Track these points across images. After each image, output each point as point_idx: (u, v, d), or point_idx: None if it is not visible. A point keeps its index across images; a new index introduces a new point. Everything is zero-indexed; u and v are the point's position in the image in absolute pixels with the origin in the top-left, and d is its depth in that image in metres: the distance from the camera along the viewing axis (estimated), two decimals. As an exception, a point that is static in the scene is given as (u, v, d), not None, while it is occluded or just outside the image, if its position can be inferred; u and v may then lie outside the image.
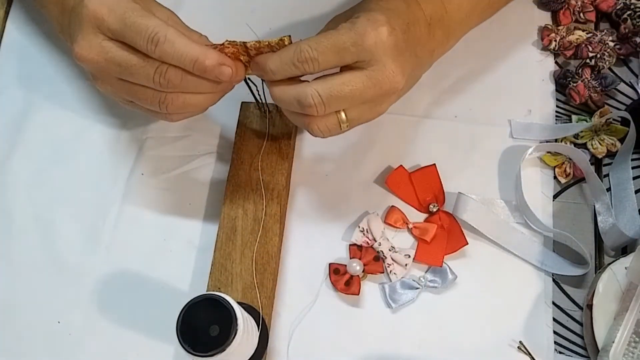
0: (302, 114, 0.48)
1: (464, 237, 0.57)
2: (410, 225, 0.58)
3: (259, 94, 0.56)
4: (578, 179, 0.61)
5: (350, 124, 0.49)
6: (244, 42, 0.47)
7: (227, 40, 0.47)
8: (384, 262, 0.57)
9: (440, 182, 0.59)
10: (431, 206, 0.59)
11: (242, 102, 0.60)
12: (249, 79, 0.52)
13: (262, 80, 0.51)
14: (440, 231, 0.58)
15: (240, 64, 0.49)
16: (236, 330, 0.43)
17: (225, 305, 0.44)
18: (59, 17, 0.53)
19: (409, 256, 0.57)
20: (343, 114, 0.48)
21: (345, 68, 0.47)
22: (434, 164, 0.60)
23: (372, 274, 0.57)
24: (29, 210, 0.60)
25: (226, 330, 0.43)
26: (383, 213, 0.59)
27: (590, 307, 0.54)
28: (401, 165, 0.60)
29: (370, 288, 0.57)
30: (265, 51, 0.47)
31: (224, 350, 0.43)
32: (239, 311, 0.44)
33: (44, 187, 0.61)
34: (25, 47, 0.67)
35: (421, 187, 0.59)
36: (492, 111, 0.63)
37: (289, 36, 0.47)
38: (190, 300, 0.44)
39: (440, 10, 0.53)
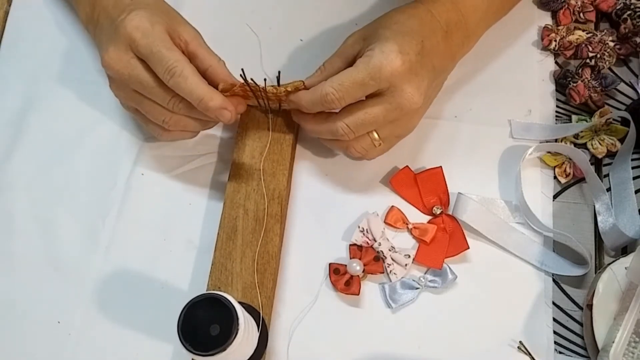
0: (336, 140, 0.55)
1: (466, 241, 0.57)
2: (410, 226, 0.58)
3: (260, 94, 0.56)
4: (578, 179, 0.61)
5: (385, 141, 0.55)
6: (263, 87, 0.53)
7: (241, 83, 0.52)
8: (384, 262, 0.57)
9: (446, 185, 0.59)
10: (435, 208, 0.59)
11: (243, 102, 0.60)
12: (251, 79, 0.52)
13: (264, 81, 0.53)
14: (442, 234, 0.58)
15: (241, 100, 0.55)
16: (237, 329, 0.43)
17: (227, 305, 0.44)
18: (90, 12, 0.57)
19: (409, 256, 0.57)
20: (375, 134, 0.54)
21: (369, 96, 0.52)
22: (440, 167, 0.60)
23: (372, 274, 0.57)
24: (29, 210, 0.60)
25: (227, 329, 0.43)
26: (383, 213, 0.59)
27: (590, 307, 0.54)
28: (407, 166, 0.60)
29: (370, 288, 0.57)
30: (283, 97, 0.54)
31: (225, 349, 0.43)
32: (240, 310, 0.44)
33: (44, 187, 0.61)
34: (25, 46, 0.67)
35: (426, 189, 0.59)
36: (492, 111, 0.63)
37: (302, 81, 0.53)
38: (192, 300, 0.44)
39: (456, 15, 0.56)
